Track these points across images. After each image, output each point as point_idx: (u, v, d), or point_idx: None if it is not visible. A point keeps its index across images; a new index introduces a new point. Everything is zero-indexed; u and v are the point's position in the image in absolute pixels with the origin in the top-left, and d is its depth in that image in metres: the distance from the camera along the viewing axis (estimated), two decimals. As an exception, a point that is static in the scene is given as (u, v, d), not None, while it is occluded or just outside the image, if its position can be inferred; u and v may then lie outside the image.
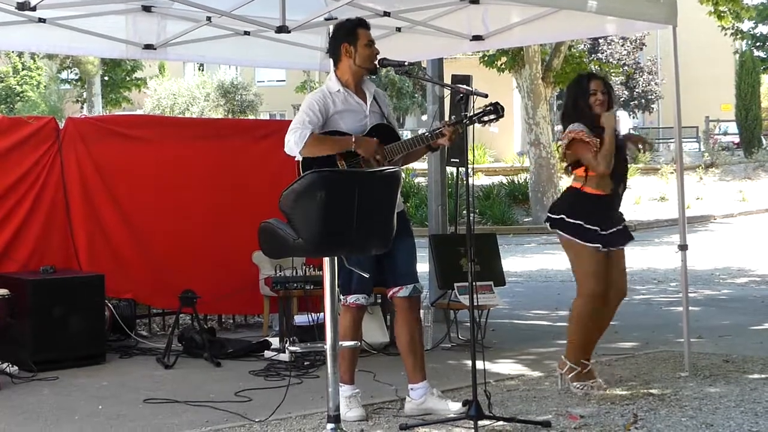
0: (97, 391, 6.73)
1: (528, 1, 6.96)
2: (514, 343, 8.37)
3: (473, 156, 6.14)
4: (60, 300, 7.41)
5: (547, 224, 6.46)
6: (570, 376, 6.25)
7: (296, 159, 5.69)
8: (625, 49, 41.66)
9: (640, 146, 6.61)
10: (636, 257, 13.91)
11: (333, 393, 4.74)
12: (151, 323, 9.17)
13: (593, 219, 6.22)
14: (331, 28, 8.03)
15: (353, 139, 5.67)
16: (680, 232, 6.90)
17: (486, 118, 5.66)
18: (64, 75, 42.37)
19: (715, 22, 19.12)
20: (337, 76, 5.86)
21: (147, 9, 7.85)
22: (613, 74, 30.50)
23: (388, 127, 5.91)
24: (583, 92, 6.34)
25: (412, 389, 5.81)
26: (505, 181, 26.75)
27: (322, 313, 5.54)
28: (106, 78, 39.20)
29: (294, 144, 5.60)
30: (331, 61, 6.02)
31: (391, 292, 5.82)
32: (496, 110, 5.63)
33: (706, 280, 12.98)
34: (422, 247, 6.49)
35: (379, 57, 5.84)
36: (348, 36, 5.81)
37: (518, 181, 26.13)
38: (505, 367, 7.28)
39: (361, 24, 5.85)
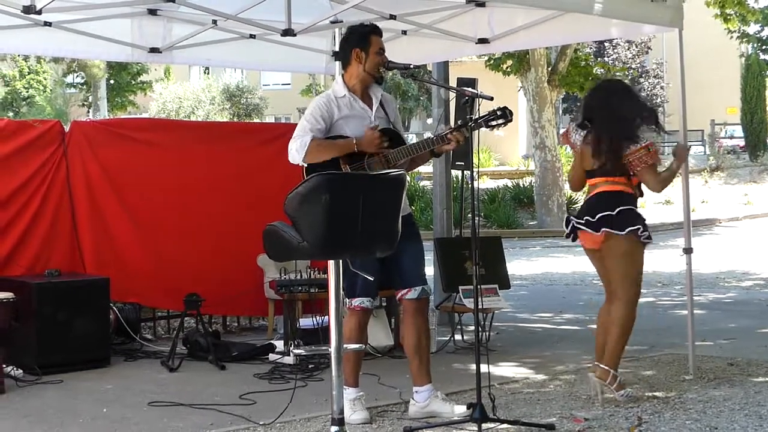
0: (102, 394, 6.73)
1: (534, 4, 6.95)
2: (519, 346, 8.37)
3: (478, 159, 6.12)
4: (65, 303, 7.41)
5: (625, 231, 6.03)
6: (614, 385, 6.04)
7: (301, 165, 5.70)
8: (630, 53, 41.64)
9: None
10: (641, 260, 13.87)
11: (337, 396, 4.74)
12: (155, 326, 9.17)
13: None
14: (337, 31, 8.10)
15: (354, 140, 5.67)
16: (685, 235, 6.89)
17: (494, 123, 5.65)
18: (69, 78, 42.43)
19: (722, 25, 19.11)
20: (344, 80, 5.86)
21: (153, 12, 7.85)
22: (619, 77, 30.46)
23: (393, 131, 5.90)
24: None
25: (416, 392, 5.81)
26: (510, 184, 26.73)
27: (326, 316, 5.54)
28: (111, 81, 39.26)
29: (296, 152, 5.62)
30: (338, 64, 6.02)
31: (399, 294, 5.82)
32: (505, 115, 5.61)
33: (711, 284, 12.96)
34: (427, 251, 6.48)
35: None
36: (360, 41, 5.80)
37: (523, 184, 26.11)
38: (510, 370, 7.27)
39: (374, 31, 5.84)
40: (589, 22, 7.34)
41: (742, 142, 36.82)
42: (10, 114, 38.20)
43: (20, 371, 7.14)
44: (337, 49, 7.54)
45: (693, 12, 9.40)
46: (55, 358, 7.32)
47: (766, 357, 7.50)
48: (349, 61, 5.84)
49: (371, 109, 5.85)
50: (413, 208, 21.89)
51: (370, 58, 5.77)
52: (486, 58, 22.38)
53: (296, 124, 5.86)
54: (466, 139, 5.68)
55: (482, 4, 7.50)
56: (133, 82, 40.16)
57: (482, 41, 8.16)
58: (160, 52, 8.36)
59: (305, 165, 5.66)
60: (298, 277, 8.09)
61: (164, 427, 5.77)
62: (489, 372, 5.55)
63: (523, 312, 10.54)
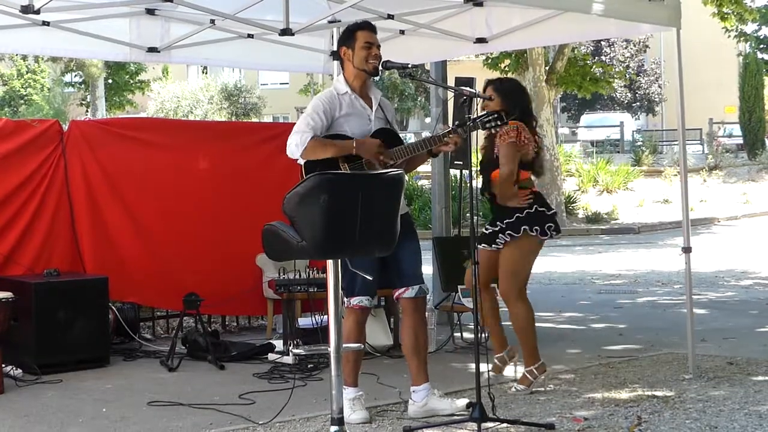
0: (101, 394, 6.73)
1: (532, 3, 6.95)
2: (518, 345, 8.34)
3: (476, 158, 6.14)
4: (64, 303, 7.41)
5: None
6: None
7: (298, 162, 5.70)
8: (628, 52, 41.67)
9: None
10: (640, 260, 13.89)
11: (337, 395, 4.74)
12: (154, 326, 9.17)
13: None
14: (335, 30, 8.10)
15: (354, 143, 5.68)
16: (684, 234, 6.89)
17: (489, 125, 5.74)
18: (67, 78, 42.37)
19: (719, 24, 19.11)
20: (345, 78, 5.88)
21: (151, 12, 7.84)
22: (617, 77, 30.45)
23: (391, 131, 5.91)
24: None
25: (414, 391, 5.80)
26: (508, 183, 26.65)
27: (325, 316, 5.54)
28: (109, 81, 39.23)
29: (295, 147, 5.62)
30: (336, 63, 6.04)
31: (397, 293, 5.82)
32: (500, 117, 5.72)
33: (710, 283, 12.95)
34: (426, 250, 6.49)
35: (382, 59, 5.84)
36: (347, 40, 5.85)
37: (522, 183, 26.05)
38: (509, 369, 7.26)
39: (361, 27, 5.85)
40: (587, 21, 7.34)
41: (740, 141, 36.81)
42: (8, 112, 38.16)
43: (19, 371, 7.14)
44: (334, 48, 7.55)
45: (691, 11, 9.38)
46: (55, 357, 7.32)
47: (765, 356, 7.50)
48: (342, 61, 5.90)
49: (371, 110, 5.86)
50: (411, 207, 21.95)
51: (357, 53, 5.80)
52: (484, 57, 22.37)
53: (294, 124, 5.86)
54: (464, 138, 5.70)
55: (480, 4, 7.48)
56: (131, 82, 40.13)
57: (480, 40, 8.15)
58: (158, 52, 8.35)
59: (303, 164, 5.66)
60: (297, 276, 8.09)
61: (164, 426, 5.76)
62: (488, 371, 5.54)
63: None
